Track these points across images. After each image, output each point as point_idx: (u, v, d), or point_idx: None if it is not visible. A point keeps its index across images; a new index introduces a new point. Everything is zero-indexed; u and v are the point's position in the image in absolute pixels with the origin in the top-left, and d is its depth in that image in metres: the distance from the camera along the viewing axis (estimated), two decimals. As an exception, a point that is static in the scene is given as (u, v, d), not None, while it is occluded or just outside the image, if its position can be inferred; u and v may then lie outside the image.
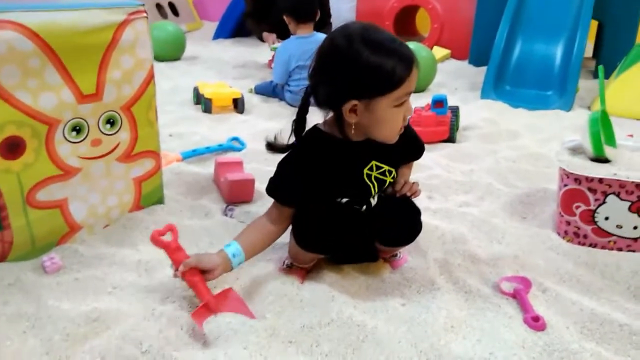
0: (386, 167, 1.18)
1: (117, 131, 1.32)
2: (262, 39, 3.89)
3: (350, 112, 1.06)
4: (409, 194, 1.21)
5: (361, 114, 1.06)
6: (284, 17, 2.72)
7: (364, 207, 1.20)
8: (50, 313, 1.07)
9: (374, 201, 1.20)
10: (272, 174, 1.18)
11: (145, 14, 1.30)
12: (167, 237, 1.12)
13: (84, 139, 1.26)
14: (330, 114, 1.13)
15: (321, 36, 2.55)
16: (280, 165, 1.17)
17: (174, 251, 1.10)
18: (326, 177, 1.13)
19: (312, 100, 1.12)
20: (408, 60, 1.04)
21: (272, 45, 3.36)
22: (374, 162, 1.16)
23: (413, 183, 1.22)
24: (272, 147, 1.17)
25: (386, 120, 1.07)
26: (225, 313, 1.07)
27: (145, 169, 1.41)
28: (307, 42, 2.62)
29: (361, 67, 1.01)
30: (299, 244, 1.17)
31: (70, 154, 1.24)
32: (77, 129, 1.24)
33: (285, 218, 1.18)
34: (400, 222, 1.20)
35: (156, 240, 1.10)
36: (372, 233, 1.21)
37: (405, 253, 1.34)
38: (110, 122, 1.30)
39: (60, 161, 1.22)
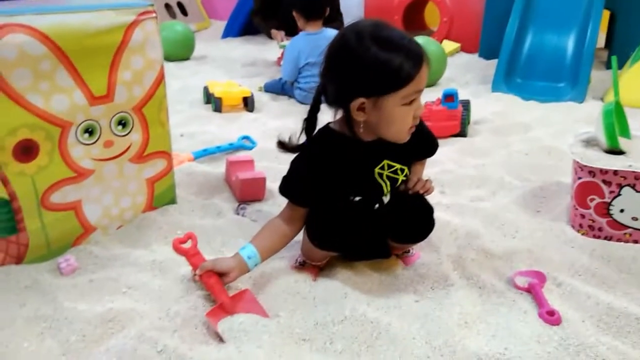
0: (398, 166, 1.18)
1: (129, 132, 1.33)
2: (270, 36, 3.88)
3: (358, 110, 1.05)
4: (421, 191, 1.20)
5: (369, 112, 1.05)
6: (293, 14, 2.72)
7: (377, 205, 1.19)
8: (66, 314, 1.08)
9: (386, 199, 1.20)
10: (283, 172, 1.18)
11: (154, 14, 1.30)
12: (187, 245, 1.18)
13: (96, 140, 1.27)
14: (340, 113, 1.13)
15: (331, 32, 2.56)
16: (293, 164, 1.17)
17: (192, 257, 1.17)
18: (338, 176, 1.13)
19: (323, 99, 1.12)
20: (417, 57, 1.02)
21: (280, 43, 3.36)
22: (385, 162, 1.16)
23: (426, 180, 1.22)
24: (284, 146, 1.17)
25: (395, 118, 1.06)
26: (239, 313, 1.08)
27: (157, 169, 1.42)
28: (316, 38, 2.61)
29: (368, 64, 1.00)
30: (312, 242, 1.17)
31: (83, 156, 1.25)
32: (89, 131, 1.25)
33: (299, 218, 1.18)
34: (413, 219, 1.20)
35: (177, 247, 1.17)
36: (385, 230, 1.21)
37: (418, 249, 1.33)
38: (122, 123, 1.31)
39: (73, 163, 1.24)
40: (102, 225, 1.35)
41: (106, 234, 1.35)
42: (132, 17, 1.25)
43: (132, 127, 1.33)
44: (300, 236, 1.24)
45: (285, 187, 1.17)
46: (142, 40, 1.28)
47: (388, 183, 1.17)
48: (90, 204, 1.30)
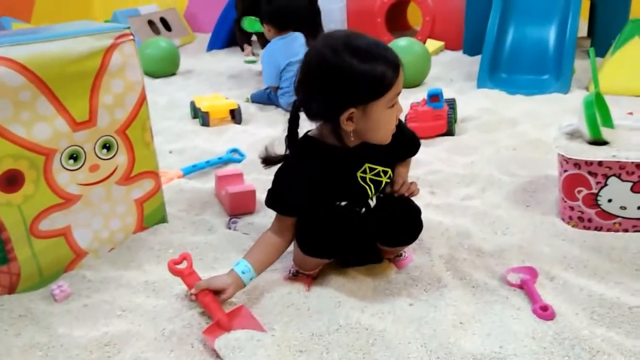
0: (380, 168, 1.20)
1: (114, 155, 1.33)
2: (242, 49, 3.95)
3: (347, 121, 1.09)
4: (406, 194, 1.21)
5: (358, 121, 1.09)
6: (264, 25, 2.77)
7: (363, 209, 1.20)
8: (62, 341, 1.08)
9: (372, 202, 1.21)
10: (271, 183, 1.20)
11: (132, 37, 1.31)
12: (182, 265, 1.20)
13: (81, 165, 1.27)
14: (320, 123, 1.14)
15: (297, 34, 2.73)
16: (277, 176, 1.19)
17: (187, 276, 1.18)
18: (322, 184, 1.15)
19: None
20: (395, 62, 1.08)
21: (246, 59, 3.48)
22: (367, 165, 1.18)
23: (411, 183, 1.23)
24: (267, 161, 1.20)
25: (382, 122, 1.11)
26: (236, 330, 1.08)
27: (145, 189, 1.42)
28: (288, 40, 2.73)
29: (354, 76, 1.04)
30: (302, 250, 1.18)
31: (69, 182, 1.25)
32: (74, 157, 1.25)
33: (289, 228, 1.19)
34: (400, 222, 1.21)
35: (172, 269, 1.19)
36: (373, 234, 1.22)
37: (410, 252, 1.34)
38: (107, 146, 1.31)
39: (60, 190, 1.24)
40: (93, 249, 1.34)
41: (98, 258, 1.35)
42: (110, 41, 1.26)
43: (117, 149, 1.33)
44: (292, 247, 1.25)
45: (272, 199, 1.19)
46: (121, 63, 1.28)
47: (372, 186, 1.19)
48: (79, 228, 1.30)
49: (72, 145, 1.24)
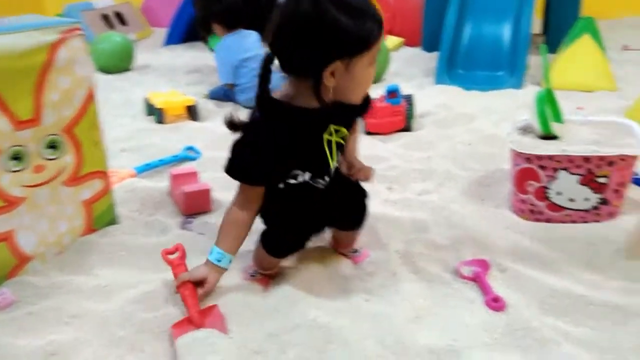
0: (343, 129, 1.15)
1: (61, 155, 1.28)
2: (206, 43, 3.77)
3: (330, 76, 1.04)
4: (362, 178, 1.22)
5: (340, 77, 1.04)
6: (212, 24, 2.72)
7: (326, 178, 1.17)
8: (4, 351, 1.03)
9: (331, 172, 1.18)
10: (230, 181, 1.14)
11: (80, 31, 1.26)
12: (174, 256, 1.20)
13: (25, 166, 1.21)
14: (290, 82, 1.09)
15: (249, 30, 2.69)
16: (242, 142, 1.10)
17: (175, 267, 1.18)
18: (290, 151, 1.09)
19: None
20: (380, 19, 1.05)
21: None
22: (332, 126, 1.13)
23: (368, 167, 1.23)
24: (233, 125, 1.11)
25: (363, 79, 1.08)
26: (204, 329, 1.06)
27: (94, 190, 1.38)
28: (241, 36, 2.68)
29: (342, 29, 0.99)
30: (271, 254, 1.18)
31: (12, 184, 1.19)
32: (17, 157, 1.19)
33: (255, 199, 1.14)
34: (350, 207, 1.23)
35: (164, 258, 1.19)
36: (326, 218, 1.24)
37: (366, 248, 1.34)
38: (53, 146, 1.26)
39: (2, 193, 1.18)
40: (39, 254, 1.29)
41: (44, 262, 1.30)
42: (56, 36, 1.20)
43: (64, 149, 1.28)
44: (250, 246, 1.23)
45: (237, 168, 1.11)
46: (69, 58, 1.23)
47: (334, 150, 1.14)
48: (24, 232, 1.24)
49: (15, 145, 1.18)
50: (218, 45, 2.74)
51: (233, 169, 1.11)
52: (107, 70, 3.42)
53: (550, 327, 1.07)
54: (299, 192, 1.16)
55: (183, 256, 1.19)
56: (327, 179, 1.18)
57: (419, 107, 2.41)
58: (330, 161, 1.15)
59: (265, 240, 1.19)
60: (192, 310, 1.10)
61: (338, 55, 1.02)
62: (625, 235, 1.34)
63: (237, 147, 1.11)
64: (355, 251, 1.32)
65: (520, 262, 1.29)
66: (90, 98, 1.31)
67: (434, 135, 2.16)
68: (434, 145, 2.05)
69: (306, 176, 1.15)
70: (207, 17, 2.76)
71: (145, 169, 1.84)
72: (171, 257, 1.19)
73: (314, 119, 1.10)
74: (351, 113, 1.18)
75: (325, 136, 1.13)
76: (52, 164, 1.26)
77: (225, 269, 1.17)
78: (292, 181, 1.15)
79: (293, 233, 1.20)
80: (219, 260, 1.15)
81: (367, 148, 2.02)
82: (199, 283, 1.14)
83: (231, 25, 2.69)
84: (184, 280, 1.13)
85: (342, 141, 1.17)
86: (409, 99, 2.27)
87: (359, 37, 1.02)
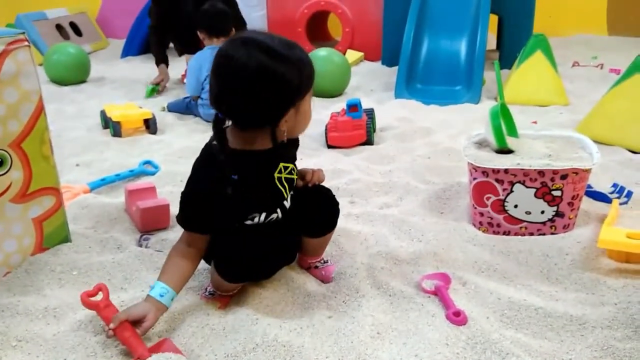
0: (291, 165, 1.19)
1: (8, 170, 1.22)
2: (158, 48, 3.37)
3: (285, 122, 1.07)
4: (317, 182, 1.24)
5: (291, 119, 1.08)
6: (198, 33, 2.68)
7: (279, 212, 1.18)
8: (-57, 380, 0.97)
9: (287, 204, 1.19)
10: None
11: (26, 43, 1.21)
12: (98, 297, 1.09)
13: (-31, 182, 1.15)
14: (244, 131, 1.10)
15: None
16: (187, 194, 1.13)
17: (103, 309, 1.07)
18: (241, 194, 1.10)
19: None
20: (305, 53, 1.09)
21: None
22: (281, 164, 1.16)
23: (318, 170, 1.26)
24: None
25: (309, 112, 1.12)
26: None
27: (44, 207, 1.32)
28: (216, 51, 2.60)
29: (288, 81, 1.02)
30: (225, 279, 1.14)
31: (-47, 201, 1.13)
32: (-41, 173, 1.13)
33: (203, 240, 1.14)
34: (323, 209, 1.24)
35: (85, 302, 1.08)
36: (299, 229, 1.23)
37: (332, 261, 1.33)
38: (-1, 161, 1.20)
39: (-58, 210, 1.12)
40: (-15, 274, 1.22)
41: (-9, 283, 1.23)
42: (1, 47, 1.15)
43: (11, 164, 1.22)
44: (205, 265, 1.20)
45: (183, 218, 1.14)
46: (15, 71, 1.18)
47: (287, 186, 1.17)
48: (-33, 252, 1.18)
49: (-44, 161, 1.12)
50: (192, 58, 2.69)
51: (180, 215, 1.14)
52: (61, 82, 3.32)
53: (510, 339, 1.08)
54: (256, 229, 1.15)
55: (107, 296, 1.09)
56: (280, 212, 1.18)
57: (380, 121, 2.44)
58: (285, 196, 1.17)
59: (221, 266, 1.14)
60: (139, 349, 1.02)
61: (291, 103, 1.06)
62: (579, 247, 1.38)
63: (184, 196, 1.13)
64: (326, 262, 1.32)
65: (480, 275, 1.31)
66: (38, 111, 1.26)
67: (394, 148, 2.18)
68: (395, 159, 2.07)
69: (262, 217, 1.15)
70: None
71: (101, 185, 1.78)
72: (94, 299, 1.08)
73: (265, 161, 1.12)
74: (292, 147, 1.21)
75: (276, 174, 1.15)
76: (-1, 180, 1.20)
77: (167, 308, 1.09)
78: (249, 222, 1.14)
79: (255, 264, 1.15)
80: (162, 296, 1.08)
81: (329, 162, 2.03)
82: (136, 322, 1.06)
83: (217, 35, 2.65)
84: (121, 320, 1.04)
85: (291, 176, 1.19)
86: (370, 113, 2.29)
87: (303, 81, 1.06)
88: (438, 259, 1.36)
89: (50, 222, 1.33)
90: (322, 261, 1.33)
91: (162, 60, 3.25)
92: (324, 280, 1.30)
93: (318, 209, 1.23)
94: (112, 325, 1.03)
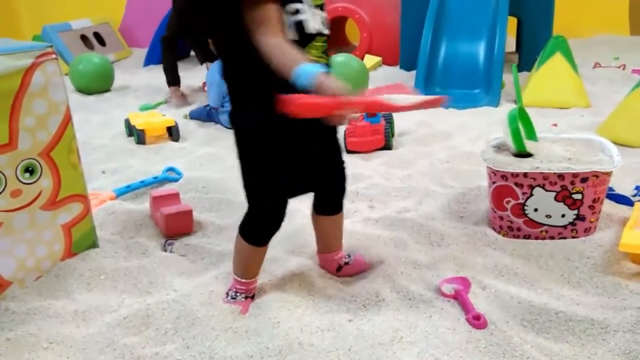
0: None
1: (38, 179, 1.27)
2: (169, 68, 3.32)
3: None
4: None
5: None
6: (210, 42, 2.72)
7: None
8: (-20, 380, 1.01)
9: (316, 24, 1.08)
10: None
11: (54, 56, 1.26)
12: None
13: (2, 191, 1.20)
14: None
15: None
16: None
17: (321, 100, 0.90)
18: None
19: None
20: None
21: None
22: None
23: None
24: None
25: None
26: None
27: (73, 214, 1.36)
28: None
29: None
30: (251, 241, 1.18)
31: (-12, 209, 1.18)
32: (-7, 182, 1.18)
33: (275, 19, 0.99)
34: (332, 172, 1.27)
35: (306, 104, 0.90)
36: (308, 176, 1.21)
37: (359, 253, 1.38)
38: (29, 170, 1.24)
39: (-23, 218, 1.16)
40: (18, 279, 1.27)
41: (23, 287, 1.28)
42: (30, 61, 1.20)
43: (41, 173, 1.27)
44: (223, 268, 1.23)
45: None
46: (44, 83, 1.23)
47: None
48: (1, 258, 1.22)
49: (-10, 170, 1.17)
50: (211, 69, 2.73)
51: None
52: (86, 91, 3.40)
53: (531, 343, 1.08)
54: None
55: None
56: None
57: (398, 125, 2.45)
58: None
59: (244, 228, 1.19)
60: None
61: None
62: (601, 250, 1.37)
63: None
64: (349, 255, 1.35)
65: (500, 279, 1.31)
66: (66, 121, 1.31)
67: (413, 153, 2.19)
68: (414, 163, 2.08)
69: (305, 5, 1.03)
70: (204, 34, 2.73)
71: (126, 191, 1.83)
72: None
73: None
74: None
75: None
76: (30, 188, 1.25)
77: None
78: (297, 17, 1.03)
79: (275, 180, 1.11)
80: (322, 69, 0.93)
81: (348, 167, 2.03)
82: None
83: None
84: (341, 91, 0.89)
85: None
86: (388, 117, 2.30)
87: None
88: (458, 263, 1.37)
89: (78, 228, 1.38)
90: (347, 256, 1.35)
91: (175, 81, 3.21)
92: (365, 268, 1.34)
93: (328, 172, 1.25)
94: (345, 99, 0.89)
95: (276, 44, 0.98)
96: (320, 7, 1.12)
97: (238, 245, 1.21)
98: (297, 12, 1.04)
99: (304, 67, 0.93)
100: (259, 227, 1.19)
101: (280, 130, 1.08)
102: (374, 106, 0.99)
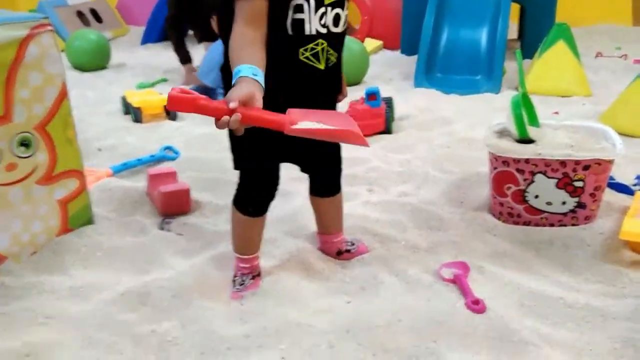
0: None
1: (34, 153, 1.24)
2: (178, 47, 3.28)
3: None
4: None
5: None
6: (212, 22, 2.68)
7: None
8: (-26, 354, 1.00)
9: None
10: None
11: (50, 27, 1.23)
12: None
13: (-3, 164, 1.18)
14: None
15: None
16: None
17: (200, 100, 0.86)
18: None
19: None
20: None
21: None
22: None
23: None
24: None
25: None
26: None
27: (69, 189, 1.34)
28: None
29: None
30: (245, 211, 1.16)
31: (-18, 182, 1.16)
32: (-12, 155, 1.16)
33: (259, 14, 0.98)
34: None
35: (177, 98, 0.86)
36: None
37: (362, 242, 1.36)
38: (25, 144, 1.22)
39: (-28, 191, 1.14)
40: (13, 254, 1.25)
41: (18, 262, 1.26)
42: (25, 32, 1.17)
43: (37, 147, 1.25)
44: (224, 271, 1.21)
45: None
46: (39, 55, 1.20)
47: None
48: (-4, 232, 1.21)
49: (-15, 143, 1.15)
50: (211, 47, 2.68)
51: None
52: (82, 68, 3.36)
53: (530, 329, 1.08)
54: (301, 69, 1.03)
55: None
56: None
57: (398, 109, 2.43)
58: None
59: (237, 199, 1.17)
60: (277, 117, 0.86)
61: None
62: (601, 238, 1.36)
63: None
64: (352, 244, 1.34)
65: (499, 264, 1.30)
66: (62, 95, 1.28)
67: (413, 137, 2.17)
68: (413, 148, 2.07)
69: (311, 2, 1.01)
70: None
71: (123, 169, 1.80)
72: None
73: None
74: None
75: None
76: (25, 162, 1.23)
77: (263, 88, 0.91)
78: (297, 15, 1.01)
79: (264, 150, 1.09)
80: (255, 74, 0.90)
81: (347, 150, 2.01)
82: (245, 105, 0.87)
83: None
84: (240, 98, 0.85)
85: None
86: (388, 101, 2.28)
87: None
88: (457, 248, 1.36)
89: (74, 204, 1.36)
90: (349, 243, 1.34)
91: (187, 59, 3.14)
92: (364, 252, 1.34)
93: (322, 157, 1.25)
94: (233, 104, 0.84)
95: (240, 36, 0.97)
96: (340, 3, 1.07)
97: (234, 219, 1.20)
98: (299, 9, 1.02)
99: (240, 67, 0.91)
100: (251, 194, 1.17)
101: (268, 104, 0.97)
102: (267, 123, 0.88)
